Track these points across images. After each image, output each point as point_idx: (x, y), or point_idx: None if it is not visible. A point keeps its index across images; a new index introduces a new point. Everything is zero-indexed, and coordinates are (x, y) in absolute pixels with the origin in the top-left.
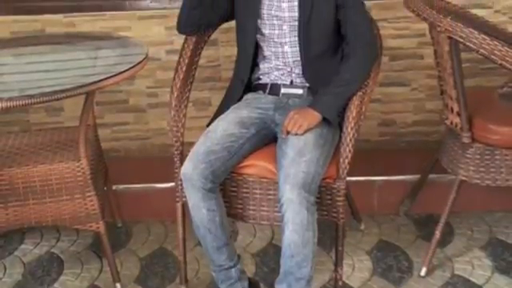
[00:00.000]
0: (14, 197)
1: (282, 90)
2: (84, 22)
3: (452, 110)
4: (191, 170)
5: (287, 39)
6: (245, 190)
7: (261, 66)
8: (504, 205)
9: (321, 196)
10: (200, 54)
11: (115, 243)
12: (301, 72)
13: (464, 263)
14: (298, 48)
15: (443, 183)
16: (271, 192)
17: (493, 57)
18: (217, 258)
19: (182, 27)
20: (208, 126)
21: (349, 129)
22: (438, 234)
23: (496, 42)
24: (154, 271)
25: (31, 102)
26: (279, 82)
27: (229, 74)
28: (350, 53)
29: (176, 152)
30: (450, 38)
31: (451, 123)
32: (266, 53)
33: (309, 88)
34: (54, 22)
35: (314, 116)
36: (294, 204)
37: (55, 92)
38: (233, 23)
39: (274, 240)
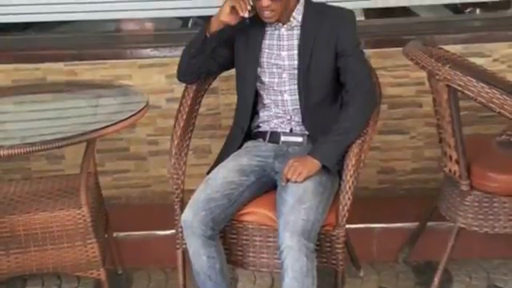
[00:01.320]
0: (16, 244)
1: (282, 138)
2: (85, 71)
3: (451, 158)
4: (191, 217)
5: (287, 87)
6: (245, 237)
7: (260, 113)
8: (502, 252)
9: (320, 243)
10: (200, 102)
11: None
12: (300, 120)
13: None
14: (297, 96)
15: (442, 230)
16: (271, 239)
17: (491, 105)
18: None
19: (182, 75)
20: (208, 173)
21: (348, 176)
22: (436, 281)
23: (494, 91)
24: None
25: (32, 150)
26: (279, 130)
27: (229, 122)
28: (349, 101)
29: (176, 199)
30: (448, 86)
31: (450, 171)
32: (266, 101)
33: (308, 136)
34: (54, 71)
35: (314, 164)
36: (293, 251)
37: (56, 140)
38: (233, 71)
39: (273, 287)
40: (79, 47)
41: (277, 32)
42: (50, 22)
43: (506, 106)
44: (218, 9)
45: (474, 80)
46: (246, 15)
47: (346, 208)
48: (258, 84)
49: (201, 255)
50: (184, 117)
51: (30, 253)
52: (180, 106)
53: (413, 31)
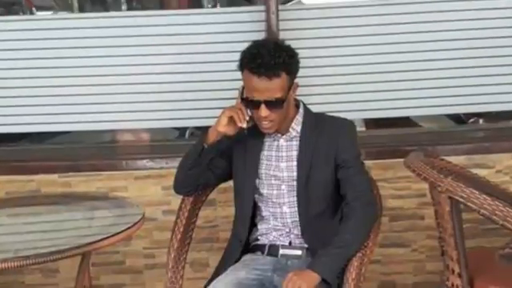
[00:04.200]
0: None
1: (281, 251)
2: (80, 182)
3: (453, 271)
4: None
5: (286, 199)
6: None
7: (259, 226)
8: None
9: None
10: (197, 214)
11: None
12: (300, 233)
13: None
14: (296, 208)
15: None
16: None
17: (494, 217)
18: None
19: (178, 187)
20: (205, 287)
21: None
22: None
23: (497, 203)
24: None
25: (26, 263)
26: (278, 243)
27: (226, 235)
28: (349, 213)
29: None
30: (450, 198)
31: (452, 285)
32: (264, 213)
33: (307, 249)
34: (49, 182)
35: (313, 277)
36: None
37: (51, 253)
38: (230, 183)
39: None
40: (74, 158)
41: (276, 143)
42: (45, 132)
43: (509, 219)
44: (215, 119)
45: (476, 192)
46: (245, 126)
47: None
48: (257, 196)
49: None
50: (181, 229)
51: None
52: (177, 219)
53: (414, 142)
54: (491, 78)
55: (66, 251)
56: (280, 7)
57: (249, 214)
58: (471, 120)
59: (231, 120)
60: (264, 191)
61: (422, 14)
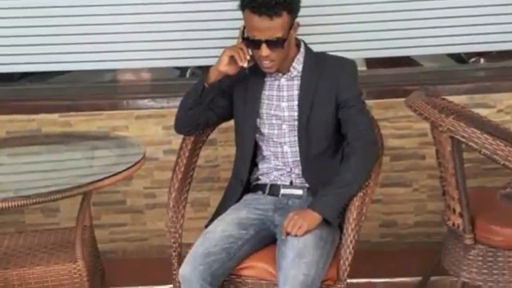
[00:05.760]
0: None
1: (282, 191)
2: (80, 122)
3: (454, 211)
4: (189, 271)
5: (287, 139)
6: None
7: (260, 166)
8: None
9: None
10: (198, 153)
11: None
12: (300, 172)
13: None
14: (297, 148)
15: (445, 285)
16: None
17: (495, 157)
18: None
19: (179, 127)
20: (206, 227)
21: (349, 230)
22: None
23: (499, 142)
24: None
25: (27, 203)
26: (279, 183)
27: (227, 175)
28: (350, 152)
29: (174, 253)
30: (452, 137)
31: (453, 224)
32: (266, 153)
33: (308, 189)
34: (49, 122)
35: (314, 217)
36: None
37: (51, 193)
38: (231, 122)
39: None
40: (75, 98)
41: (276, 82)
42: (46, 72)
43: (510, 158)
44: (216, 59)
45: (478, 131)
46: (245, 65)
47: (347, 262)
48: (258, 135)
49: None
50: (182, 169)
51: None
52: (178, 158)
53: (416, 81)
54: (493, 17)
55: (67, 191)
56: None
57: (250, 153)
58: (472, 59)
59: (232, 59)
60: (265, 131)
61: None
